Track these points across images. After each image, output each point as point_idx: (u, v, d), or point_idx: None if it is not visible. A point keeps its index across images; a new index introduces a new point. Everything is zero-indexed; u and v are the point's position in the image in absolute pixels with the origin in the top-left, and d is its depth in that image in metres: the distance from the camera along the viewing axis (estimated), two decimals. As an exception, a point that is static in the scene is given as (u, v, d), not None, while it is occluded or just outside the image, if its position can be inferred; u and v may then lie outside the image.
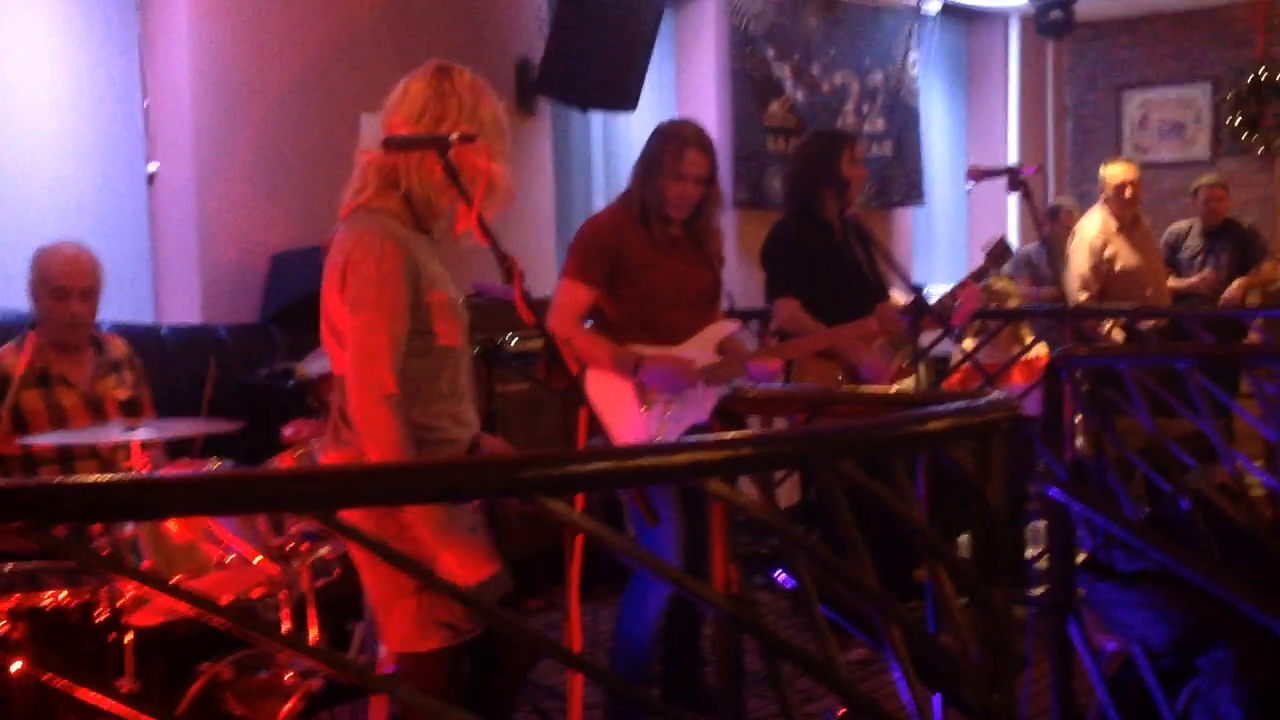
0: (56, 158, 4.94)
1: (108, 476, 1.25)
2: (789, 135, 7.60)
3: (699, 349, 3.89)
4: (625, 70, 6.12)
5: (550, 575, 5.19)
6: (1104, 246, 6.94)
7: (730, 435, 1.61)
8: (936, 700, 2.44)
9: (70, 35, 4.99)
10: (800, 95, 7.76)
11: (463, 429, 2.84)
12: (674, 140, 3.86)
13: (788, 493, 6.42)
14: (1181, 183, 9.19)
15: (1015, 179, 4.41)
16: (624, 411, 3.78)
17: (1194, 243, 7.76)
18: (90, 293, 3.83)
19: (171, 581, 3.20)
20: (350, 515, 2.71)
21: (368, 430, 2.64)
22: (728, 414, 2.27)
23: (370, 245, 2.68)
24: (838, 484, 1.83)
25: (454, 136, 2.60)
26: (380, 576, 2.74)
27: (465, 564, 2.60)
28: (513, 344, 5.09)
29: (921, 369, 5.82)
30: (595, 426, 3.80)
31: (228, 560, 3.31)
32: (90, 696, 1.44)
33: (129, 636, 3.28)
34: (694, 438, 1.47)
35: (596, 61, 5.95)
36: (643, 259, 3.84)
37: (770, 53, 7.55)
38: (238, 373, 5.00)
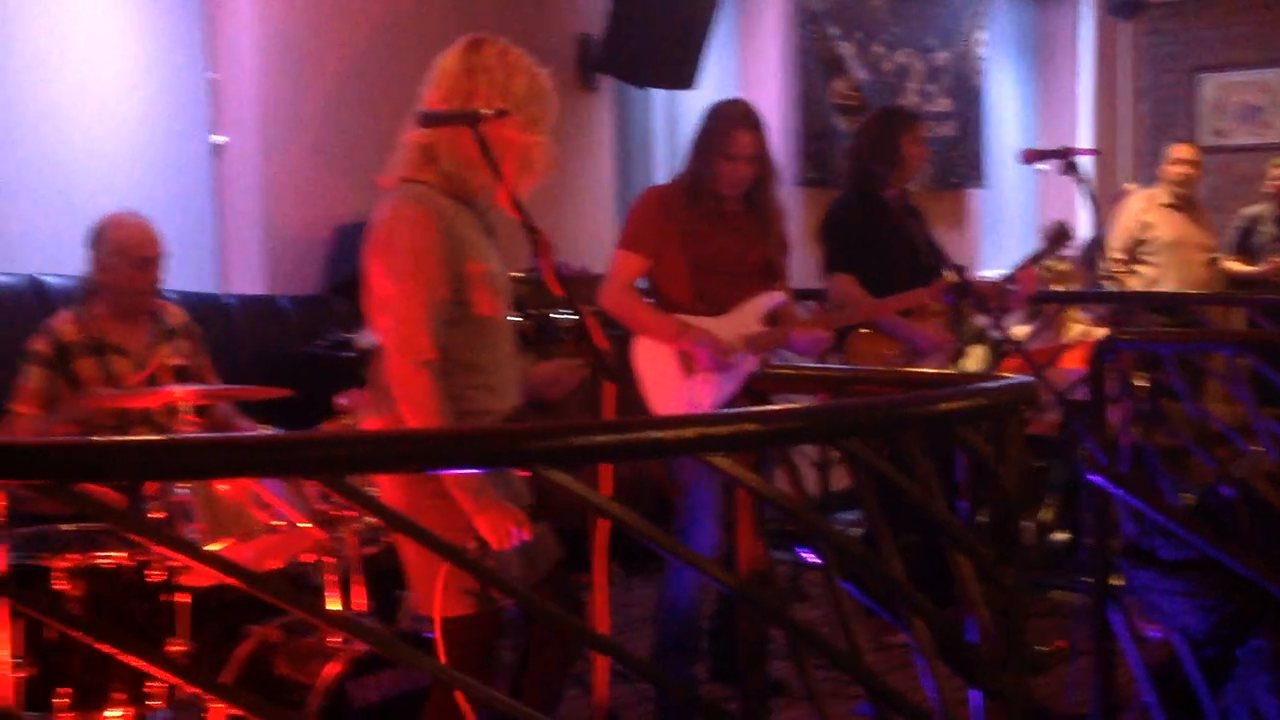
0: (123, 130, 5.05)
1: (115, 438, 1.30)
2: (855, 113, 7.57)
3: (744, 319, 3.97)
4: (686, 48, 6.13)
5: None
6: (1144, 212, 6.99)
7: (736, 410, 1.64)
8: (976, 696, 2.44)
9: (137, 9, 5.10)
10: (863, 74, 7.71)
11: (497, 400, 2.86)
12: (724, 120, 3.94)
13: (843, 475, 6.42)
14: (1258, 167, 9.01)
15: (1069, 161, 4.38)
16: (668, 379, 3.89)
17: (1269, 228, 7.62)
18: (162, 258, 3.93)
19: (220, 546, 3.28)
20: (384, 482, 2.78)
21: (406, 395, 2.68)
22: (754, 392, 2.29)
23: (409, 216, 2.74)
24: (855, 463, 1.84)
25: (486, 112, 2.64)
26: (411, 541, 2.79)
27: (498, 530, 2.64)
28: (564, 318, 5.13)
29: (983, 351, 5.79)
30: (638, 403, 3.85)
31: (276, 525, 3.39)
32: (135, 658, 1.50)
33: (182, 597, 3.37)
34: (699, 412, 1.49)
35: (657, 39, 5.97)
36: (690, 230, 3.94)
37: (833, 30, 7.51)
38: (299, 343, 5.09)
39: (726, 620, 4.29)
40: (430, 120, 2.71)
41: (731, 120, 3.94)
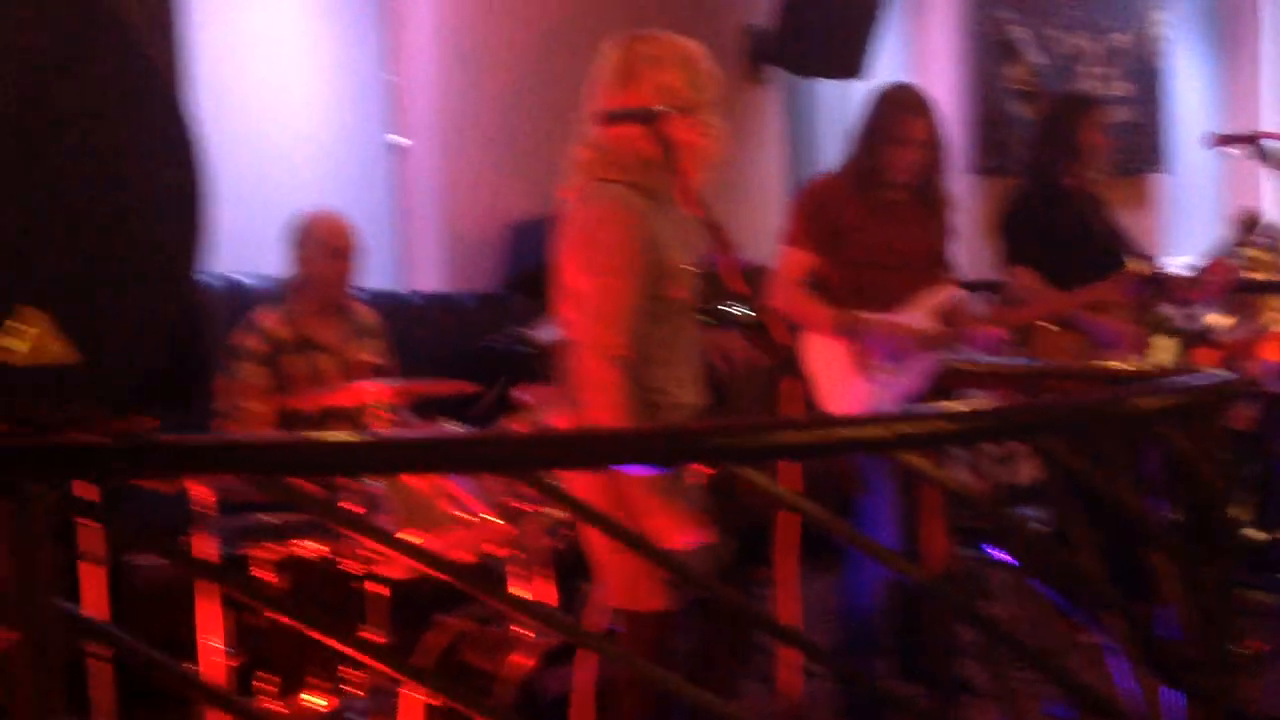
0: (307, 132, 5.24)
1: (330, 436, 1.36)
2: (1032, 99, 7.41)
3: (916, 315, 3.86)
4: (855, 38, 6.09)
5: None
6: None
7: (930, 408, 1.63)
8: (1171, 695, 2.37)
9: (319, 15, 5.27)
10: (1039, 58, 7.54)
11: (688, 394, 2.89)
12: (893, 104, 3.85)
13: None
14: None
15: (1258, 146, 4.20)
16: (840, 378, 3.79)
17: None
18: (358, 253, 4.07)
19: (409, 536, 3.38)
20: (575, 477, 2.81)
21: (595, 389, 2.71)
22: (937, 388, 2.27)
23: (610, 213, 2.76)
24: (1051, 462, 1.81)
25: (661, 109, 2.66)
26: (600, 533, 2.81)
27: (672, 530, 2.65)
28: (740, 313, 5.13)
29: (1170, 343, 5.62)
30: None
31: (466, 518, 3.47)
32: (338, 645, 1.57)
33: (378, 587, 3.48)
34: (889, 410, 1.49)
35: (826, 29, 5.94)
36: (856, 222, 3.84)
37: (1007, 14, 7.36)
38: (477, 339, 5.21)
39: (913, 617, 4.22)
40: (608, 119, 2.74)
41: (901, 105, 3.84)
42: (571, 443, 1.49)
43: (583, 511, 1.51)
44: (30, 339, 1.16)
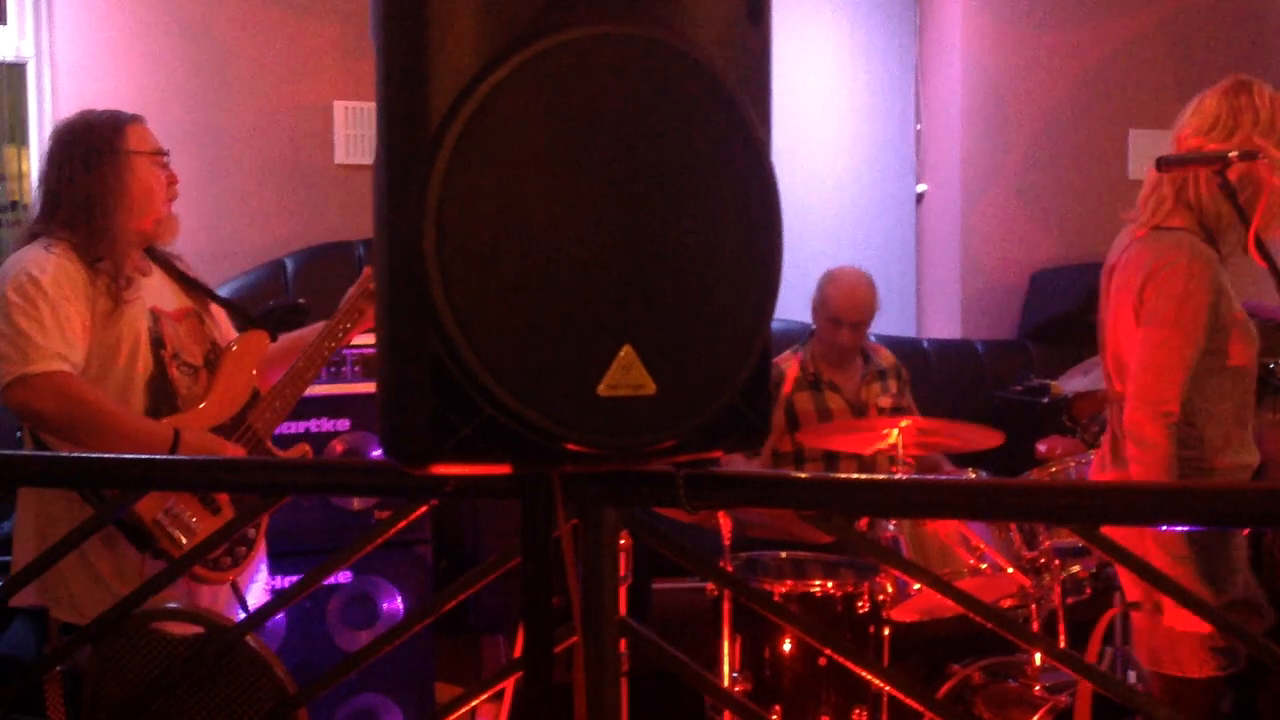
0: (835, 178, 5.36)
1: (876, 476, 1.39)
2: None
3: None
4: None
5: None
6: None
7: None
8: None
9: (854, 64, 5.40)
10: None
11: (1247, 454, 2.72)
12: None
13: None
14: None
15: None
16: None
17: None
18: (860, 325, 4.11)
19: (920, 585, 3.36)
20: (1115, 534, 2.70)
21: (1138, 442, 2.61)
22: None
23: (1178, 261, 2.63)
24: None
25: (1232, 154, 2.51)
26: (1145, 595, 2.69)
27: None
28: (1286, 370, 4.75)
29: None
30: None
31: (981, 568, 3.42)
32: (863, 674, 1.58)
33: (886, 630, 3.49)
34: None
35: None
36: None
37: None
38: (992, 387, 5.13)
39: None
40: (1170, 163, 2.61)
41: None
42: (1138, 496, 1.43)
43: (1143, 569, 1.45)
44: (636, 376, 1.26)
